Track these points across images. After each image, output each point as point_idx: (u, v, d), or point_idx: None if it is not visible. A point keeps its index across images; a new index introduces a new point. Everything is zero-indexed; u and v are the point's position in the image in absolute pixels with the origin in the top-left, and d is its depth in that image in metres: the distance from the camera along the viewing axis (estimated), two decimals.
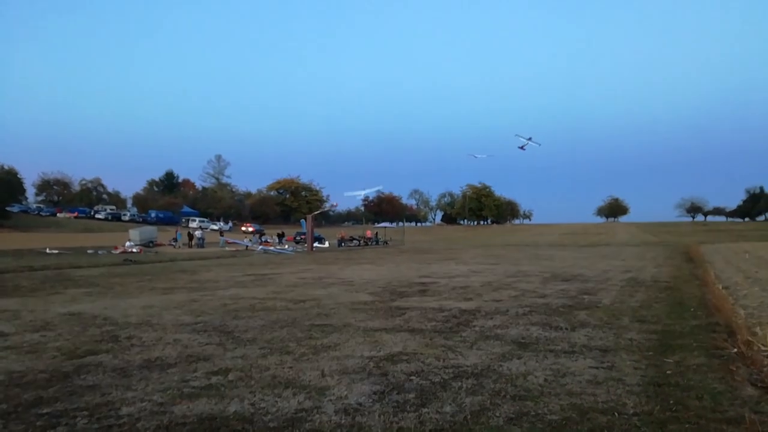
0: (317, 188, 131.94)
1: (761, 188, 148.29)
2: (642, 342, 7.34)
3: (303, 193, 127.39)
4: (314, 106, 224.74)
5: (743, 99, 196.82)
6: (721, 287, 13.50)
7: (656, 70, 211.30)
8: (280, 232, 57.30)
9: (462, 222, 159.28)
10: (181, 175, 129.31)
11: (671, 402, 4.77)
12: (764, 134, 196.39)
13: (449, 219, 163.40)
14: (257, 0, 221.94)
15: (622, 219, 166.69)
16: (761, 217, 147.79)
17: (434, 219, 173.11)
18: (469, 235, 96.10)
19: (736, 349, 6.71)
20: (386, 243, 55.99)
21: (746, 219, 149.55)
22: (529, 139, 51.41)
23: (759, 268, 19.59)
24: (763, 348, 6.55)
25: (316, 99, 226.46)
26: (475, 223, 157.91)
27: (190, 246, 45.82)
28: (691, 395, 4.97)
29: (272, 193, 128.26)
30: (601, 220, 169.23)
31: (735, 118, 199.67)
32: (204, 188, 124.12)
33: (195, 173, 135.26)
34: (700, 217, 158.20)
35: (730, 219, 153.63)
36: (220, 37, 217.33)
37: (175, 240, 47.22)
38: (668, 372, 5.80)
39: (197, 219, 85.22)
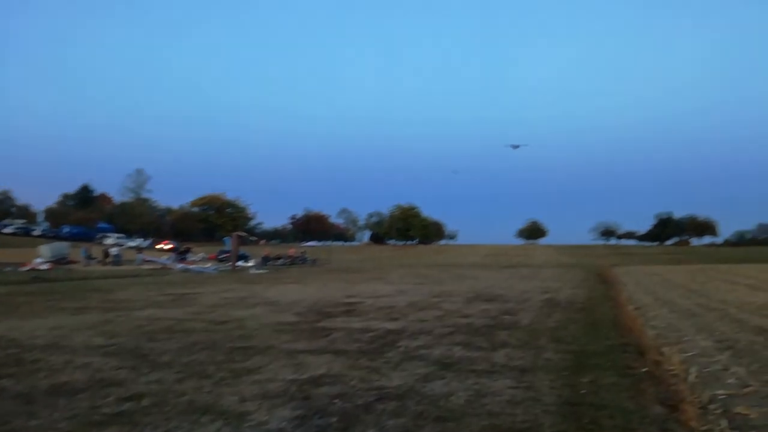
0: (244, 205, 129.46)
1: (669, 214, 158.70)
2: (558, 362, 7.60)
3: (228, 209, 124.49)
4: (244, 119, 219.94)
5: (652, 130, 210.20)
6: (632, 308, 14.24)
7: (575, 98, 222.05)
8: (184, 248, 55.74)
9: (390, 242, 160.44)
10: (99, 189, 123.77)
11: (585, 421, 4.95)
12: (672, 163, 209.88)
13: (377, 238, 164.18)
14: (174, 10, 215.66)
15: (541, 241, 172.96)
16: (670, 241, 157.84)
17: (362, 238, 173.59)
18: (396, 254, 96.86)
19: (645, 369, 7.06)
20: (313, 262, 55.50)
21: (656, 243, 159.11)
22: (517, 146, 64.18)
23: (667, 290, 20.85)
24: (670, 367, 6.93)
25: (246, 112, 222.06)
26: (403, 243, 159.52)
27: (105, 263, 43.62)
28: (604, 414, 5.17)
29: (195, 209, 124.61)
30: (521, 241, 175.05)
31: (645, 147, 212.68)
32: (122, 203, 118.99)
33: (114, 187, 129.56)
34: (613, 241, 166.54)
35: (641, 242, 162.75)
36: (144, 43, 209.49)
37: (90, 258, 44.76)
38: (583, 391, 6.02)
39: (113, 235, 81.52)
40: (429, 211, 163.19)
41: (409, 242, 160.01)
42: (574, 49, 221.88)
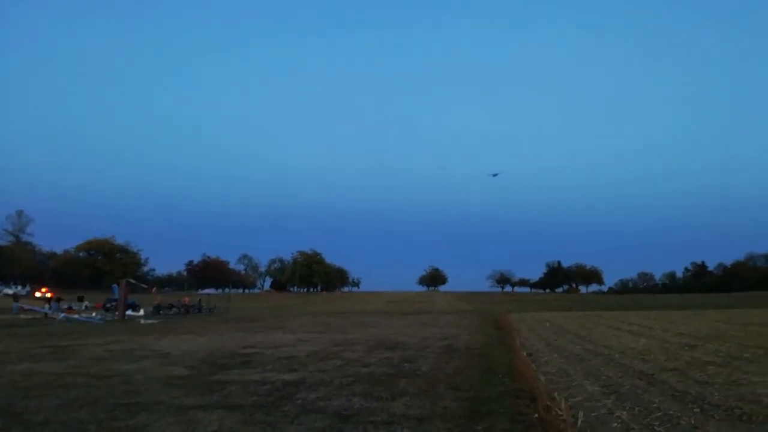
0: (135, 250, 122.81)
1: (559, 262, 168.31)
2: (455, 409, 7.69)
3: (118, 255, 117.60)
4: (134, 162, 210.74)
5: (542, 180, 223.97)
6: (525, 354, 14.76)
7: (470, 152, 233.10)
8: (78, 295, 52.06)
9: (292, 289, 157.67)
10: None
11: None
12: (560, 214, 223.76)
13: (279, 285, 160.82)
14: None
15: (442, 288, 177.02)
16: (560, 289, 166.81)
17: (263, 285, 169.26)
18: (298, 302, 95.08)
19: (537, 415, 7.29)
20: (210, 310, 53.19)
21: (547, 290, 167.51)
22: (496, 174, 74.62)
23: (558, 336, 21.84)
24: (559, 413, 7.19)
25: (137, 155, 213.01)
26: (306, 290, 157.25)
27: None
28: None
29: (82, 254, 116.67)
30: (422, 288, 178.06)
31: (535, 197, 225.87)
32: (0, 247, 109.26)
33: None
34: (508, 288, 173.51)
35: (533, 290, 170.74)
36: (26, 83, 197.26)
37: None
38: None
39: None
40: (332, 258, 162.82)
41: (312, 289, 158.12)
42: (472, 107, 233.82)
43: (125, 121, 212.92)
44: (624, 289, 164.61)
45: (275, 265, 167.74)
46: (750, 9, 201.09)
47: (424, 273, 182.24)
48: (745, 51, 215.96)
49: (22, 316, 38.44)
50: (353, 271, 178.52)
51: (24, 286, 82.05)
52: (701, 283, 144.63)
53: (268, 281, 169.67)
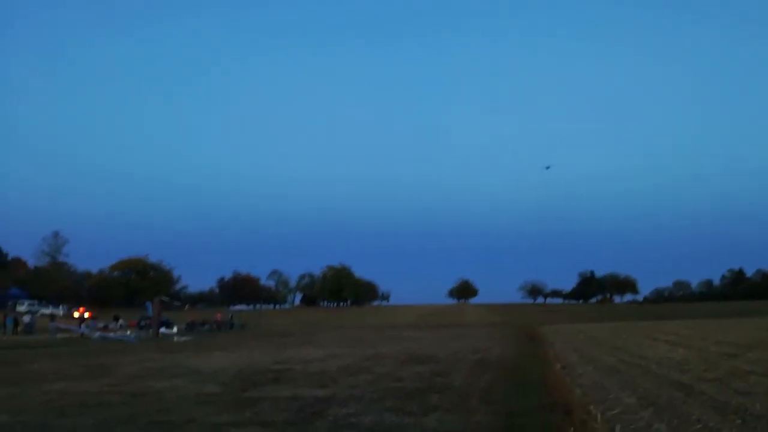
0: (168, 268, 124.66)
1: (592, 272, 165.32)
2: (489, 423, 7.56)
3: (151, 273, 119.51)
4: (166, 178, 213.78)
5: (574, 188, 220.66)
6: (559, 366, 14.50)
7: (500, 162, 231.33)
8: (113, 315, 52.85)
9: (322, 304, 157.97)
10: (13, 252, 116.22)
11: None
12: (594, 224, 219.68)
13: (309, 301, 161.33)
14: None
15: (472, 300, 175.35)
16: (593, 299, 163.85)
17: (294, 301, 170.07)
18: (328, 317, 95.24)
19: (572, 429, 7.12)
20: (242, 327, 53.65)
21: (580, 301, 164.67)
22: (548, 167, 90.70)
23: (592, 347, 21.43)
24: (595, 426, 7.02)
25: (170, 171, 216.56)
26: (335, 304, 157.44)
27: (16, 332, 40.50)
28: None
29: (116, 273, 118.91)
30: (453, 301, 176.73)
31: (566, 206, 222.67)
32: (37, 268, 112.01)
33: (28, 251, 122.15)
34: (540, 299, 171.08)
35: (566, 301, 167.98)
36: (62, 99, 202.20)
37: (4, 326, 41.55)
38: None
39: (26, 302, 76.31)
40: (361, 272, 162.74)
41: (342, 304, 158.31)
42: (502, 116, 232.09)
43: (159, 141, 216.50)
44: (660, 298, 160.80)
45: (305, 281, 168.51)
46: None
47: (454, 285, 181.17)
48: None
49: (58, 335, 39.25)
50: (383, 285, 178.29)
51: (62, 306, 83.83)
52: (740, 291, 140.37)
53: (298, 297, 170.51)
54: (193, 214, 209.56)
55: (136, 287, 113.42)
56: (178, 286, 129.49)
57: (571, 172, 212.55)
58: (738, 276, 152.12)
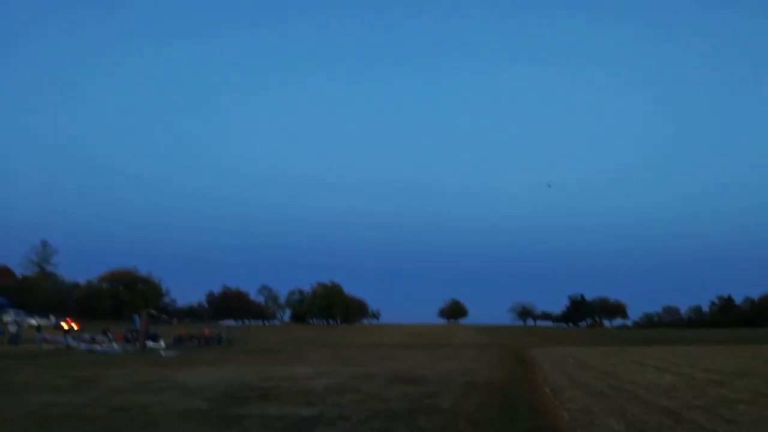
0: (157, 280, 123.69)
1: (582, 296, 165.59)
2: None
3: (139, 285, 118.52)
4: (156, 191, 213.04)
5: (564, 209, 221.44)
6: (548, 390, 14.46)
7: (492, 180, 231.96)
8: (103, 328, 52.19)
9: (311, 321, 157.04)
10: None
11: None
12: (583, 247, 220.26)
13: (298, 317, 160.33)
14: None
15: (462, 321, 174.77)
16: (583, 323, 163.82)
17: (283, 317, 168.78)
18: (318, 334, 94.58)
19: None
20: (229, 342, 53.17)
21: (570, 324, 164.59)
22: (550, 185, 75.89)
23: (581, 371, 21.40)
24: None
25: (160, 185, 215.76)
26: (325, 322, 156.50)
27: (2, 343, 40.02)
28: None
29: (104, 285, 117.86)
30: (443, 321, 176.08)
31: (557, 227, 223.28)
32: (24, 277, 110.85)
33: (15, 260, 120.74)
34: (530, 321, 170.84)
35: (556, 324, 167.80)
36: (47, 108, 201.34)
37: (2, 334, 41.17)
38: None
39: (12, 311, 75.42)
40: (352, 289, 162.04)
41: (331, 321, 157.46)
42: (487, 140, 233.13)
43: (149, 152, 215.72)
44: (649, 323, 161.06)
45: (294, 297, 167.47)
46: None
47: (444, 305, 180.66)
48: None
49: (44, 346, 38.79)
50: (373, 303, 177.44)
51: (50, 317, 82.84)
52: (728, 318, 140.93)
53: (288, 313, 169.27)
54: (183, 227, 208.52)
55: (124, 299, 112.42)
56: (166, 300, 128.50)
57: (562, 195, 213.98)
58: (727, 303, 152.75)
